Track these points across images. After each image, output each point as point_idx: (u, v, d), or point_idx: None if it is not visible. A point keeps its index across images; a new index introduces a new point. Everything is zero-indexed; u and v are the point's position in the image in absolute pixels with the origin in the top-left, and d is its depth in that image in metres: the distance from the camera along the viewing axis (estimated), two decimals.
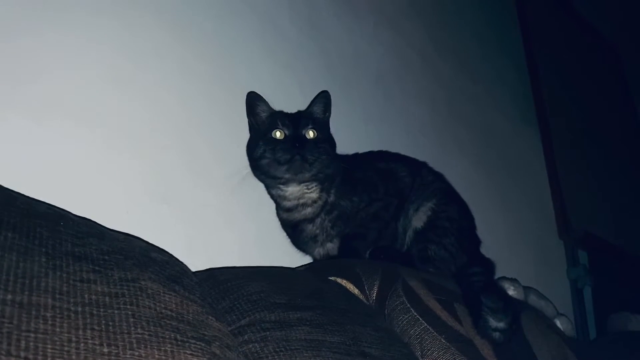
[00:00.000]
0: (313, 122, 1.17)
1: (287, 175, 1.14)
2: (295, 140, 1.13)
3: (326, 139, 1.19)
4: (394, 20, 1.89)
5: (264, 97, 1.19)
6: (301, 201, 1.18)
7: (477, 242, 1.34)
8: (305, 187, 1.17)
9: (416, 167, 1.34)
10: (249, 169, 1.18)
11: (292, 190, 1.17)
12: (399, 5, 1.93)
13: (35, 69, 0.97)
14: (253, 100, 1.19)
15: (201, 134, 1.20)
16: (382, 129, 1.49)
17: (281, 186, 1.18)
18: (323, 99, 1.23)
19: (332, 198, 1.20)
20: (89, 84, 1.04)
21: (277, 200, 1.22)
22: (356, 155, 1.33)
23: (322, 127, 1.20)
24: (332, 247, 1.21)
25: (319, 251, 1.22)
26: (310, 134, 1.16)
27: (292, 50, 1.47)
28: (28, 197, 0.64)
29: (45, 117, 0.96)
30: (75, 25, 1.05)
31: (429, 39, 2.02)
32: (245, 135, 1.22)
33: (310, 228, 1.20)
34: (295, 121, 1.16)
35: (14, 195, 0.63)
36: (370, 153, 1.36)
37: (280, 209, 1.23)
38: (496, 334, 1.00)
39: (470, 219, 1.35)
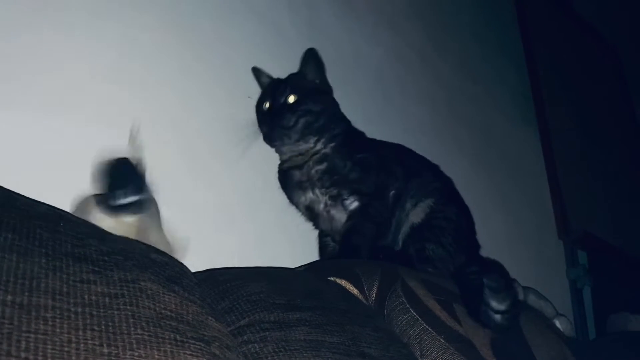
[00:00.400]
0: (293, 86, 1.22)
1: (276, 143, 1.23)
2: (272, 112, 1.20)
3: (311, 99, 1.22)
4: (393, 21, 1.89)
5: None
6: (296, 152, 1.24)
7: (476, 245, 1.34)
8: (302, 142, 1.23)
9: (420, 166, 1.35)
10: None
11: (289, 147, 1.24)
12: (398, 6, 1.93)
13: (35, 67, 0.97)
14: (257, 74, 1.29)
15: (201, 134, 1.20)
16: (382, 129, 1.49)
17: (279, 148, 1.26)
18: (310, 57, 1.27)
19: (327, 150, 1.23)
20: (88, 83, 1.04)
21: (278, 152, 1.29)
22: (373, 139, 1.37)
23: (309, 87, 1.24)
24: (313, 198, 1.24)
25: (303, 200, 1.26)
26: (291, 98, 1.20)
27: (291, 51, 1.47)
28: (28, 197, 0.64)
29: (44, 115, 0.96)
30: (75, 24, 1.05)
31: (429, 39, 2.02)
32: (244, 135, 1.22)
33: (297, 175, 1.24)
34: (275, 89, 1.22)
35: (13, 195, 0.63)
36: (384, 143, 1.38)
37: (280, 160, 1.29)
38: (497, 317, 1.00)
39: (470, 223, 1.35)
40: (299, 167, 1.24)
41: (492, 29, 2.47)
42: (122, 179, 0.86)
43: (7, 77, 0.94)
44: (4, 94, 0.93)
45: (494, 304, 1.00)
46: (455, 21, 2.23)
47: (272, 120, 1.20)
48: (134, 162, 0.89)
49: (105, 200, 0.85)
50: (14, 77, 0.95)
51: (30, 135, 0.94)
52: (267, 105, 1.22)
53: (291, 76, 1.27)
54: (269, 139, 1.22)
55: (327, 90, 1.30)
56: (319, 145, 1.23)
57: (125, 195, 0.85)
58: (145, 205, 0.88)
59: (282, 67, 1.30)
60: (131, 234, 0.84)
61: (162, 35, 1.19)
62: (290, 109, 1.20)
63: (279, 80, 1.27)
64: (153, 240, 0.91)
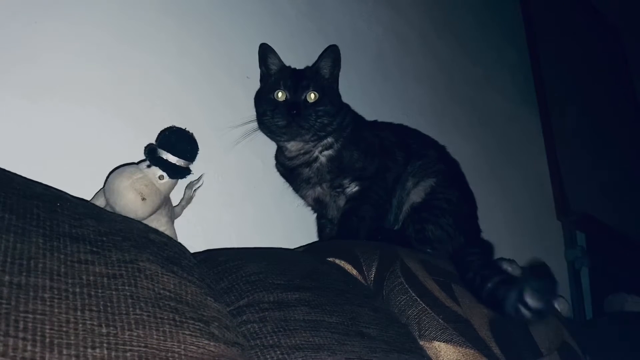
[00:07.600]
0: (315, 83, 1.19)
1: (285, 137, 1.20)
2: (292, 105, 1.15)
3: (329, 99, 1.20)
4: (393, 0, 1.86)
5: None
6: (302, 151, 1.23)
7: (477, 229, 1.34)
8: (313, 141, 1.21)
9: (424, 148, 1.34)
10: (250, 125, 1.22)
11: (294, 145, 1.22)
12: None
13: (32, 49, 0.96)
14: (265, 52, 1.23)
15: (199, 114, 1.19)
16: (381, 110, 1.48)
17: (283, 142, 1.23)
18: (332, 53, 1.24)
19: (338, 145, 1.22)
20: (85, 64, 1.03)
21: (280, 147, 1.27)
22: (375, 122, 1.36)
23: (326, 86, 1.22)
24: (320, 191, 1.25)
25: (310, 194, 1.26)
26: (312, 96, 1.18)
27: (290, 31, 1.46)
28: (25, 178, 0.64)
29: (41, 98, 0.95)
30: (70, 6, 1.03)
31: (429, 19, 2.00)
32: (243, 115, 1.21)
33: (306, 172, 1.23)
34: (296, 83, 1.18)
35: (10, 176, 0.62)
36: (388, 125, 1.37)
37: (281, 155, 1.27)
38: (526, 312, 0.96)
39: (472, 207, 1.35)
40: (308, 164, 1.22)
41: (493, 9, 2.45)
42: (178, 144, 0.94)
43: (3, 58, 0.93)
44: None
45: (531, 301, 0.95)
46: (456, 1, 2.20)
47: (290, 117, 1.14)
48: (194, 139, 0.96)
49: (157, 152, 0.92)
50: (11, 58, 0.93)
51: (26, 117, 0.94)
52: (284, 97, 1.17)
53: (310, 71, 1.23)
54: (280, 134, 1.19)
55: (336, 87, 1.27)
56: (329, 140, 1.22)
57: (176, 156, 0.93)
58: (183, 175, 0.95)
59: (282, 47, 1.28)
60: (155, 196, 0.89)
61: (159, 16, 1.17)
62: (311, 108, 1.16)
63: (298, 72, 1.22)
64: (163, 221, 0.93)
